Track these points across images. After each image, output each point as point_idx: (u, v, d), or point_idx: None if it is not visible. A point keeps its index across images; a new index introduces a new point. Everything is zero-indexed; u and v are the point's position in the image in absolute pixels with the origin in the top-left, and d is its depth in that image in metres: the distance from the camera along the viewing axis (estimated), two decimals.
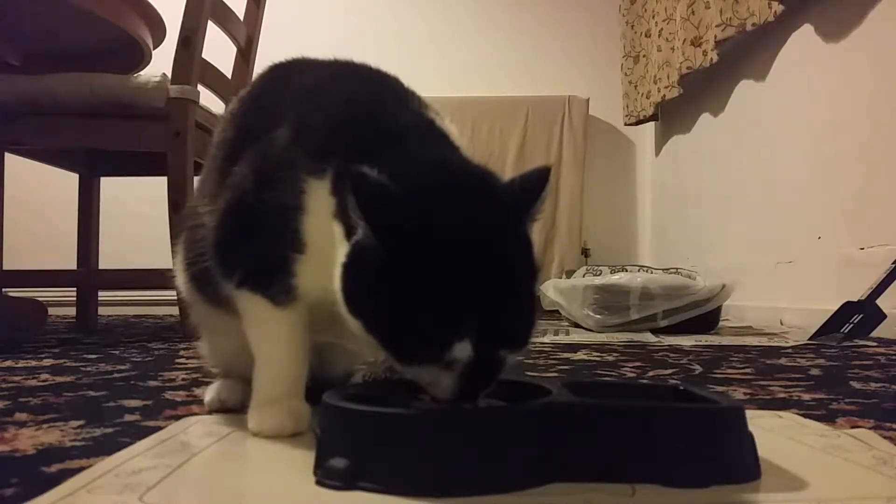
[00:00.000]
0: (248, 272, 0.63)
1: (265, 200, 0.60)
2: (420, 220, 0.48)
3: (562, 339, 1.81)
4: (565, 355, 1.40)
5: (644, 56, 3.40)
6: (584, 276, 2.29)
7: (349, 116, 0.61)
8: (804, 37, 2.26)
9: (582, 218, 3.56)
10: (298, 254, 0.59)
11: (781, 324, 2.23)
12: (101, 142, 1.86)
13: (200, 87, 1.84)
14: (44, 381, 1.02)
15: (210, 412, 0.74)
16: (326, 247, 0.55)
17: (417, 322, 0.49)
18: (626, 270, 2.19)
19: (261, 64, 2.15)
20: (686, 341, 1.69)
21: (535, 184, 0.54)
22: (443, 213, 0.49)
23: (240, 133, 0.69)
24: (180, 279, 0.77)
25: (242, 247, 0.63)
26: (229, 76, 2.09)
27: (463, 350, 0.48)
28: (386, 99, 0.65)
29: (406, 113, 0.63)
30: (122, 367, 1.18)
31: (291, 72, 0.72)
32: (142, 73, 1.87)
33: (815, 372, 1.13)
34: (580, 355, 1.41)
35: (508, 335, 0.50)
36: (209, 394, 0.76)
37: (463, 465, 0.46)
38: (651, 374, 1.15)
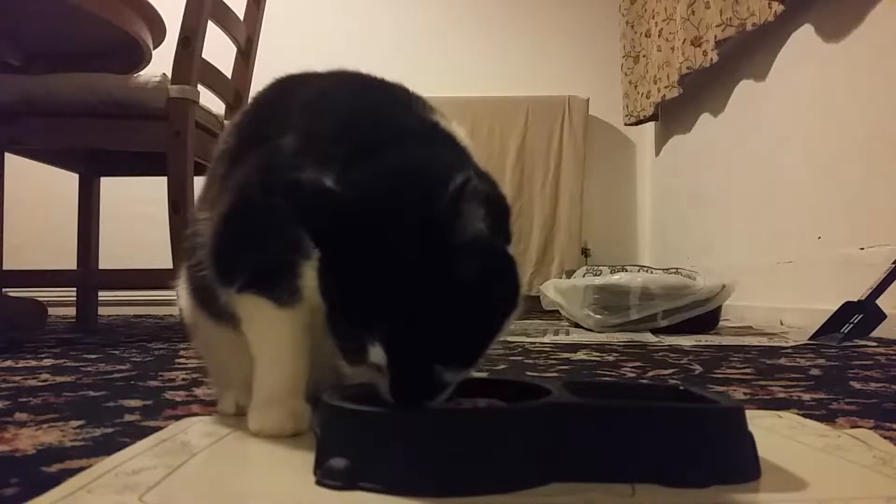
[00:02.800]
0: (253, 276, 0.62)
1: (270, 204, 0.60)
2: (346, 227, 0.50)
3: (562, 339, 1.81)
4: (565, 355, 1.40)
5: (644, 56, 3.40)
6: (584, 276, 2.29)
7: (353, 123, 0.61)
8: (804, 37, 2.26)
9: (582, 218, 3.56)
10: (305, 259, 0.59)
11: (781, 324, 2.23)
12: (101, 142, 1.85)
13: (200, 87, 1.84)
14: (44, 381, 1.02)
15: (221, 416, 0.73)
16: None
17: (338, 323, 0.52)
18: (626, 270, 2.19)
19: (261, 64, 2.19)
20: (686, 341, 1.69)
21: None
22: (369, 223, 0.50)
23: (243, 143, 0.69)
24: (183, 299, 0.75)
25: (245, 251, 0.63)
26: (229, 76, 2.09)
27: (376, 355, 0.49)
28: (389, 104, 0.65)
29: (409, 117, 0.63)
30: (122, 367, 1.18)
31: (295, 84, 0.72)
32: (142, 73, 1.87)
33: (815, 372, 1.13)
34: (580, 355, 1.41)
35: (434, 350, 0.49)
36: (226, 399, 0.74)
37: (463, 465, 0.46)
38: (651, 374, 1.15)
